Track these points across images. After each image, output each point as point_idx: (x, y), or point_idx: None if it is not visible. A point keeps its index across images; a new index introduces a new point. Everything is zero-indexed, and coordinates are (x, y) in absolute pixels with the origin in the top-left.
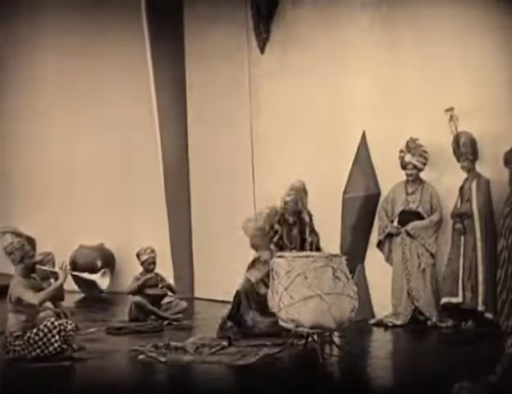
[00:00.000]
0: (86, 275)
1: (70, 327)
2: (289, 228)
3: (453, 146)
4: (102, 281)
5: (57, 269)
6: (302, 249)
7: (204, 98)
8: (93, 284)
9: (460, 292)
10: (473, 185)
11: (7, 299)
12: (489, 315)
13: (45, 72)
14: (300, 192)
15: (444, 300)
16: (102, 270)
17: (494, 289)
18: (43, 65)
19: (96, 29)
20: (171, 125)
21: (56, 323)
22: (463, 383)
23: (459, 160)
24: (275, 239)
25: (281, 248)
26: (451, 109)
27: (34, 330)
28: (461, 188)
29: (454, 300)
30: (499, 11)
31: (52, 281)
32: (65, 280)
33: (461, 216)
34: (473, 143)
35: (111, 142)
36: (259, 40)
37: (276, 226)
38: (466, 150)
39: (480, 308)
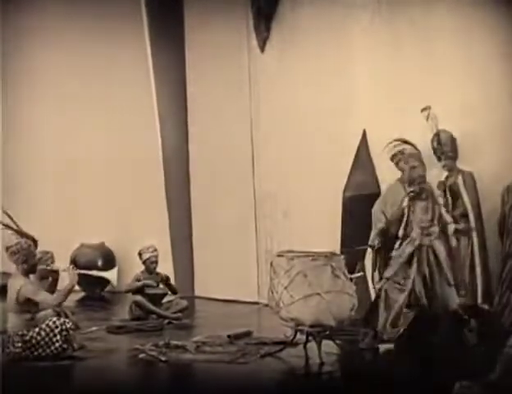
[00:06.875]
0: (101, 273)
1: (69, 325)
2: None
3: (433, 145)
4: (115, 277)
5: (57, 267)
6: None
7: (204, 97)
8: (101, 282)
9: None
10: (459, 181)
11: (14, 299)
12: (485, 306)
13: (45, 73)
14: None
15: None
16: (116, 267)
17: (488, 281)
18: (43, 64)
19: (96, 27)
20: (171, 125)
21: (57, 323)
22: (463, 382)
23: (439, 159)
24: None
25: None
26: (428, 108)
27: (36, 330)
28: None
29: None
30: (499, 9)
31: (50, 280)
32: (76, 281)
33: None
34: (452, 140)
35: (111, 141)
36: (260, 39)
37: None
38: (447, 148)
39: (478, 301)
